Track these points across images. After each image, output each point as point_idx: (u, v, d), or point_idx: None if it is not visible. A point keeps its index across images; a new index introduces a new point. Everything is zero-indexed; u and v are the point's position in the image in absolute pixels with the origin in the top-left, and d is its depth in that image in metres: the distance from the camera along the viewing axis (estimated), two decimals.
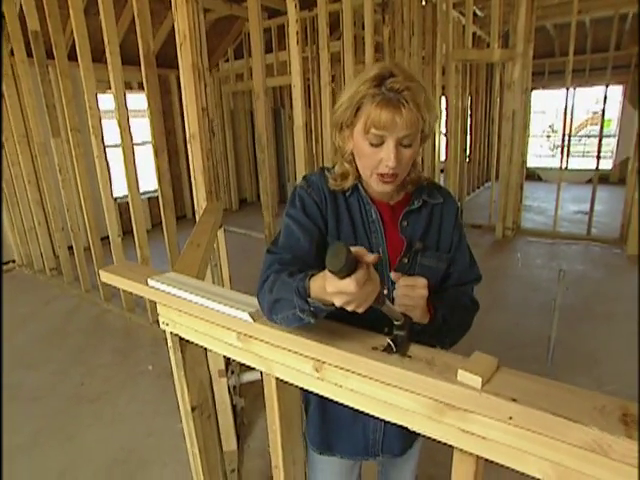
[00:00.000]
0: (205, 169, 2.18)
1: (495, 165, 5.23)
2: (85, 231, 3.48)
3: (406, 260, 0.82)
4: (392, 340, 0.65)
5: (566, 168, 4.62)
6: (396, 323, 0.68)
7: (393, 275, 0.71)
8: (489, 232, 4.98)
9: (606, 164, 7.40)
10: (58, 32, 3.03)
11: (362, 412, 0.68)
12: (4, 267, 4.62)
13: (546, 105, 10.25)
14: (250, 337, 0.80)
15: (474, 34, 5.90)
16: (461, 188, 6.10)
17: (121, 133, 2.75)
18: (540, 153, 10.40)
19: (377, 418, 0.67)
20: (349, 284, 0.50)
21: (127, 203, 2.98)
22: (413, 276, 0.71)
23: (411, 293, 0.69)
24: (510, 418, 0.53)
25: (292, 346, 0.72)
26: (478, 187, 7.54)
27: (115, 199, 3.34)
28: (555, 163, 4.86)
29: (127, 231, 3.56)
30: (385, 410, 0.65)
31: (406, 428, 0.64)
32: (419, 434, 0.64)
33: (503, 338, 2.72)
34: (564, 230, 4.90)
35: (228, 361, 1.98)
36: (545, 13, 5.42)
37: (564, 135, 4.44)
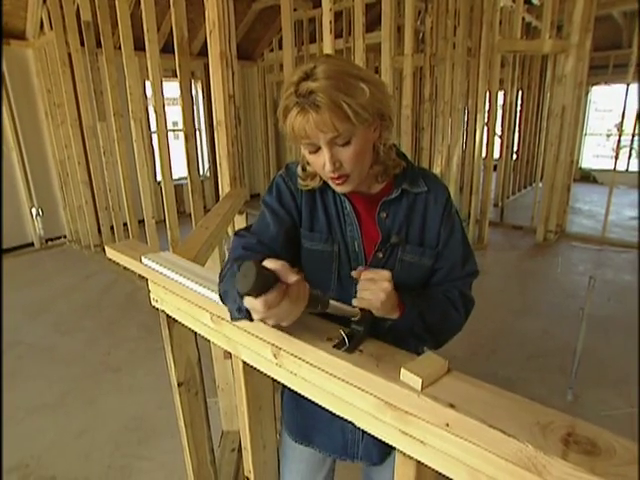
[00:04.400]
0: (230, 155, 2.22)
1: (541, 164, 4.91)
2: (125, 211, 3.68)
3: (381, 255, 0.77)
4: (347, 334, 0.63)
5: (627, 170, 4.25)
6: (353, 319, 0.67)
7: (354, 273, 0.68)
8: (530, 234, 4.69)
9: None
10: (106, 22, 3.20)
11: None
12: (55, 242, 5.01)
13: (614, 102, 9.43)
14: (220, 318, 0.81)
15: (529, 25, 5.54)
16: (504, 187, 5.83)
17: (157, 119, 2.87)
18: (599, 153, 9.63)
19: None
20: (257, 304, 0.48)
21: (181, 186, 3.11)
22: (376, 269, 0.68)
23: (372, 287, 0.65)
24: (447, 425, 0.50)
25: (254, 330, 0.72)
26: (525, 187, 7.14)
27: (159, 183, 3.49)
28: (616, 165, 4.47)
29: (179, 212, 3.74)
30: (333, 402, 0.64)
31: None
32: None
33: (527, 345, 2.57)
34: (614, 236, 4.52)
35: None
36: None
37: (620, 136, 4.08)
